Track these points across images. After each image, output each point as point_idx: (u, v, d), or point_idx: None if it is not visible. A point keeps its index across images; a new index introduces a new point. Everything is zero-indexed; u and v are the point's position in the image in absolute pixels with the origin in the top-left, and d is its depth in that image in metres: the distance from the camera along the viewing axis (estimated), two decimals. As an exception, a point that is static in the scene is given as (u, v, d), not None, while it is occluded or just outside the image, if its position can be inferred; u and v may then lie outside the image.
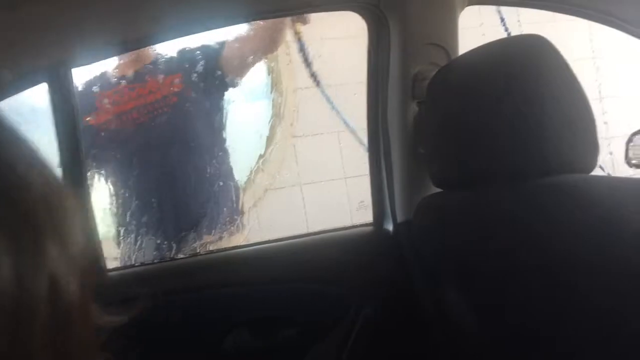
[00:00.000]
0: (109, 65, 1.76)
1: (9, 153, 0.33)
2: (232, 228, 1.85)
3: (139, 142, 1.75)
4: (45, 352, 0.32)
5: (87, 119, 1.70)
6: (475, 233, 0.97)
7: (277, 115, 2.98)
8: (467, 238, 0.99)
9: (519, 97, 0.90)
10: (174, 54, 1.79)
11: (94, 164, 1.74)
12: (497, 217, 0.93)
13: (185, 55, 1.78)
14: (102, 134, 1.74)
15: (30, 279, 0.31)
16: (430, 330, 1.20)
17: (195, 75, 1.77)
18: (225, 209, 1.84)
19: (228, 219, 1.84)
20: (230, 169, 1.89)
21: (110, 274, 1.33)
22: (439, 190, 1.10)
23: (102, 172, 1.77)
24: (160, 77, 1.74)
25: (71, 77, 1.17)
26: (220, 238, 1.81)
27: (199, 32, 1.19)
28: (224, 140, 1.85)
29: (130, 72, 1.75)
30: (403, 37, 1.24)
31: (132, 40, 1.16)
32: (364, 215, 1.48)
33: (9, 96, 1.13)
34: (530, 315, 0.86)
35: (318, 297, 1.36)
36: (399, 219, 1.35)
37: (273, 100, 2.98)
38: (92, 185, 1.71)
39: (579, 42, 3.28)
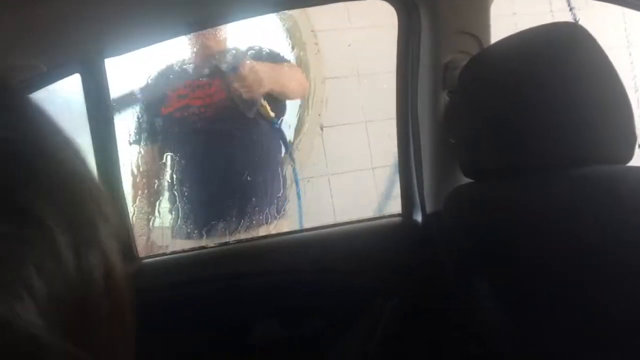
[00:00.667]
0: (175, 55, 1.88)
1: (47, 139, 0.34)
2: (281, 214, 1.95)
3: (195, 134, 1.86)
4: (104, 330, 0.32)
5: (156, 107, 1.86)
6: (507, 224, 0.95)
7: (305, 105, 2.97)
8: (498, 229, 0.98)
9: (553, 85, 0.88)
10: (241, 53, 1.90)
11: (164, 148, 1.87)
12: (529, 208, 0.91)
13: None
14: (169, 122, 1.86)
15: (88, 259, 0.31)
16: (459, 322, 1.19)
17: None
18: (275, 198, 1.94)
19: (277, 207, 1.95)
20: (279, 162, 2.01)
21: (143, 261, 1.35)
22: (469, 180, 1.09)
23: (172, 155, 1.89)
24: (221, 80, 1.87)
25: (104, 68, 1.19)
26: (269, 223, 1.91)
27: (233, 20, 1.20)
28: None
29: (197, 64, 1.88)
30: (434, 26, 1.23)
31: (166, 31, 1.17)
32: (393, 206, 1.48)
33: (43, 87, 1.15)
34: (564, 309, 0.85)
35: (346, 288, 1.36)
36: (428, 210, 1.34)
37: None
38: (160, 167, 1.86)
39: (613, 31, 3.20)
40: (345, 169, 3.09)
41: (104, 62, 1.18)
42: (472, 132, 1.02)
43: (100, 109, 1.21)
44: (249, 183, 1.87)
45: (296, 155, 2.36)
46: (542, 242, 0.88)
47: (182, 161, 1.87)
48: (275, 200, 1.93)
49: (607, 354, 0.78)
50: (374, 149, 3.08)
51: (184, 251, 1.40)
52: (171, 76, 1.90)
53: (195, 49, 1.86)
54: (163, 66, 1.90)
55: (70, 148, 0.35)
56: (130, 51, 1.17)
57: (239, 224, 1.83)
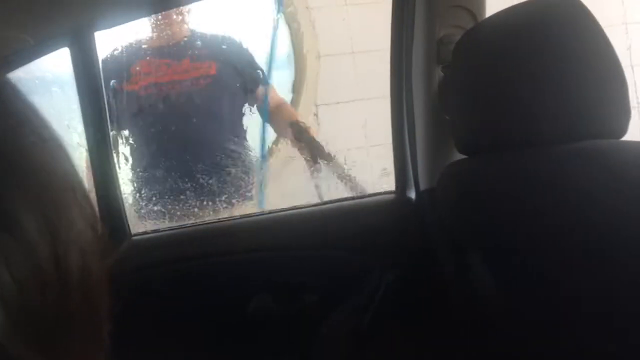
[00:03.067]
0: (144, 34, 1.87)
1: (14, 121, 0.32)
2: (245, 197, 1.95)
3: (163, 112, 1.85)
4: (76, 337, 0.31)
5: (118, 83, 1.83)
6: (500, 200, 0.95)
7: (299, 83, 2.95)
8: (491, 205, 0.98)
9: (547, 60, 0.87)
10: (212, 41, 1.92)
11: (122, 126, 1.84)
12: (523, 183, 0.91)
13: (223, 47, 1.92)
14: (132, 99, 1.84)
15: (66, 263, 0.30)
16: (452, 298, 1.19)
17: (232, 68, 1.90)
18: (242, 180, 1.94)
19: (244, 189, 1.94)
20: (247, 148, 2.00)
21: (134, 238, 1.34)
22: (463, 157, 1.09)
23: (129, 135, 1.87)
24: (197, 61, 1.86)
25: (94, 41, 1.17)
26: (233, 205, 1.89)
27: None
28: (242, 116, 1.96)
29: (165, 45, 1.87)
30: (428, 0, 1.21)
31: (155, 4, 1.15)
32: (386, 183, 1.48)
33: (30, 61, 1.13)
34: (556, 285, 0.85)
35: (340, 264, 1.36)
36: (422, 186, 1.34)
37: (295, 66, 2.96)
38: (116, 148, 1.78)
39: (610, 6, 3.17)
40: (341, 147, 3.08)
41: (93, 35, 1.17)
42: (466, 107, 1.02)
43: (89, 84, 1.19)
44: (216, 162, 1.87)
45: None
46: (535, 216, 0.87)
47: (146, 138, 1.86)
48: (241, 185, 1.93)
49: (595, 325, 0.79)
50: (369, 127, 3.07)
51: (176, 227, 1.40)
52: (136, 53, 1.88)
53: (162, 28, 1.86)
54: (127, 42, 1.88)
55: (51, 144, 0.34)
56: (120, 24, 1.15)
57: (202, 205, 1.83)
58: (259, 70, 1.98)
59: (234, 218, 1.47)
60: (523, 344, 0.93)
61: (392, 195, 1.42)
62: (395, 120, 1.36)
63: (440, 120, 1.25)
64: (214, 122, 1.89)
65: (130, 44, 1.88)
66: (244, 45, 1.98)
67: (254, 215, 1.48)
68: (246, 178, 1.94)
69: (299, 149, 1.92)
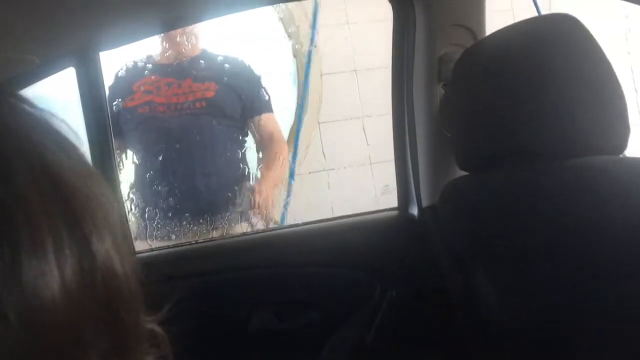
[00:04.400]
0: (145, 52, 1.90)
1: (35, 136, 0.33)
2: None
3: (163, 132, 1.86)
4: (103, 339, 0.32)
5: (122, 101, 1.85)
6: (502, 216, 0.95)
7: (302, 101, 2.97)
8: (493, 221, 0.98)
9: (547, 77, 0.88)
10: (214, 62, 1.92)
11: (122, 143, 1.87)
12: (523, 199, 0.91)
13: (226, 67, 1.91)
14: (133, 116, 1.86)
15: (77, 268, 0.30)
16: (456, 314, 1.19)
17: (233, 91, 1.90)
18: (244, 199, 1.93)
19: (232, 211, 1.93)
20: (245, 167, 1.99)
21: (137, 255, 1.35)
22: (464, 173, 1.09)
23: (129, 152, 1.90)
24: (198, 81, 1.87)
25: (99, 60, 1.19)
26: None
27: (224, 14, 1.19)
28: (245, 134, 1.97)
29: (169, 63, 1.89)
30: (429, 18, 1.23)
31: (159, 24, 1.17)
32: (389, 200, 1.48)
33: (37, 81, 1.14)
34: (559, 300, 0.85)
35: (343, 281, 1.36)
36: (424, 203, 1.35)
37: (297, 84, 2.98)
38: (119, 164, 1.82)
39: (612, 25, 3.19)
40: (343, 164, 3.10)
41: (98, 55, 1.18)
42: (467, 124, 1.02)
43: (94, 103, 1.21)
44: (208, 184, 1.88)
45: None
46: (538, 233, 0.88)
47: (141, 158, 1.87)
48: (233, 206, 1.92)
49: (597, 334, 0.79)
50: (371, 144, 3.08)
51: (178, 245, 1.40)
52: (138, 70, 1.90)
53: (167, 47, 1.87)
54: (131, 60, 1.91)
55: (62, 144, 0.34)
56: (125, 44, 1.17)
57: (198, 225, 1.83)
58: (265, 95, 1.96)
59: (236, 236, 1.47)
60: (530, 356, 0.92)
61: (395, 212, 1.42)
62: (397, 137, 1.37)
63: (441, 137, 1.26)
64: (202, 146, 1.88)
65: (135, 62, 1.91)
66: (252, 68, 1.97)
67: (257, 233, 1.49)
68: (236, 200, 1.93)
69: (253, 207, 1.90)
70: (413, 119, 1.31)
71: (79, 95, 1.20)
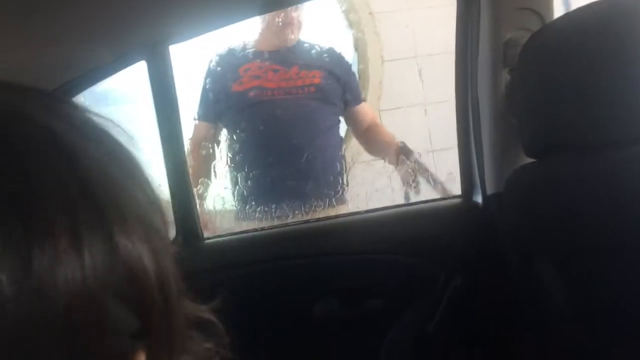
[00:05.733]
0: (255, 37, 1.95)
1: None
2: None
3: (273, 114, 1.91)
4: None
5: (232, 85, 1.92)
6: (569, 203, 0.93)
7: (363, 88, 2.96)
8: (560, 210, 0.96)
9: (616, 61, 0.84)
10: (315, 51, 1.98)
11: (229, 124, 1.94)
12: (591, 186, 0.88)
13: (325, 57, 1.97)
14: (242, 99, 1.91)
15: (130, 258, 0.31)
16: (519, 304, 1.17)
17: (335, 79, 1.96)
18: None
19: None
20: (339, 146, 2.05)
21: (206, 242, 1.39)
22: (530, 160, 1.07)
23: (231, 134, 1.95)
24: (304, 69, 1.93)
25: (169, 54, 1.23)
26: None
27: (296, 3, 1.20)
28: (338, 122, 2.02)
29: (270, 50, 1.94)
30: (494, 2, 1.20)
31: (230, 15, 1.19)
32: (452, 188, 1.47)
33: (109, 75, 1.20)
34: (626, 292, 0.82)
35: (407, 268, 1.36)
36: (489, 191, 1.33)
37: (359, 72, 2.97)
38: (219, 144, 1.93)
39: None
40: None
41: (168, 49, 1.22)
42: (534, 110, 1.00)
43: (165, 96, 1.25)
44: (312, 167, 1.91)
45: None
46: (607, 223, 0.85)
47: (247, 139, 1.92)
48: (337, 187, 1.96)
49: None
50: (433, 131, 3.04)
51: (246, 231, 1.44)
52: (243, 55, 1.95)
53: (268, 36, 1.92)
54: (234, 44, 1.96)
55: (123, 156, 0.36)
56: (194, 37, 1.20)
57: (301, 206, 1.86)
58: (357, 84, 2.03)
59: (301, 222, 1.50)
60: (592, 354, 0.90)
61: (459, 200, 1.41)
62: (461, 124, 1.35)
63: (506, 123, 1.24)
64: (313, 129, 1.94)
65: (233, 48, 1.97)
66: (345, 58, 2.04)
67: (322, 220, 1.51)
68: (340, 182, 1.98)
69: (398, 170, 1.92)
70: (477, 105, 1.29)
71: (150, 88, 1.25)
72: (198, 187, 1.86)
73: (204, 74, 1.93)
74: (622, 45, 0.86)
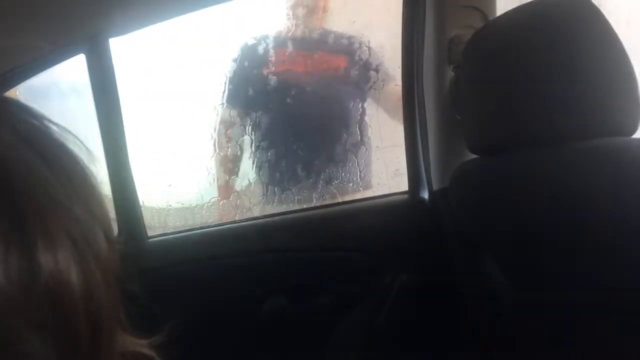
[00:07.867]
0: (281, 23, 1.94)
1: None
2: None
3: (295, 99, 1.90)
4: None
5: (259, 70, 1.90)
6: (513, 199, 0.95)
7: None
8: (504, 204, 0.97)
9: (557, 58, 0.87)
10: (340, 38, 1.97)
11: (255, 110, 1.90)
12: (535, 182, 0.90)
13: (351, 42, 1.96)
14: (270, 83, 1.89)
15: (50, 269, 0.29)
16: (466, 297, 1.19)
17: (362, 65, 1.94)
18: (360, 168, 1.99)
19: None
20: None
21: (150, 240, 1.36)
22: (475, 156, 1.09)
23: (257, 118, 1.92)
24: (330, 54, 1.94)
25: (109, 47, 1.19)
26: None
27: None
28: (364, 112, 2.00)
29: (296, 38, 1.93)
30: (439, 0, 1.21)
31: (170, 9, 1.16)
32: (399, 184, 1.48)
33: (48, 68, 1.15)
34: (570, 284, 0.85)
35: (354, 265, 1.37)
36: (435, 186, 1.34)
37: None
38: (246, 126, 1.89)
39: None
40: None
41: (108, 42, 1.18)
42: (478, 107, 1.02)
43: (105, 89, 1.21)
44: (339, 150, 1.92)
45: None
46: (548, 214, 0.87)
47: (274, 123, 1.91)
48: (362, 171, 1.97)
49: (611, 324, 0.78)
50: (383, 128, 3.06)
51: (191, 229, 1.41)
52: (268, 42, 1.94)
53: (295, 23, 1.92)
54: (260, 31, 1.94)
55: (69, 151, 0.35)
56: (134, 30, 1.17)
57: (325, 188, 1.86)
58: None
59: (247, 220, 1.48)
60: (538, 344, 0.92)
61: (405, 196, 1.42)
62: (408, 120, 1.37)
63: (451, 120, 1.25)
64: (340, 113, 1.95)
65: (268, 33, 1.94)
66: (372, 45, 2.01)
67: (267, 217, 1.50)
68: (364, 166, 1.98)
69: None
70: (423, 102, 1.30)
71: (89, 82, 1.20)
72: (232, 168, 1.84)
73: (232, 59, 1.92)
74: (561, 43, 0.88)
